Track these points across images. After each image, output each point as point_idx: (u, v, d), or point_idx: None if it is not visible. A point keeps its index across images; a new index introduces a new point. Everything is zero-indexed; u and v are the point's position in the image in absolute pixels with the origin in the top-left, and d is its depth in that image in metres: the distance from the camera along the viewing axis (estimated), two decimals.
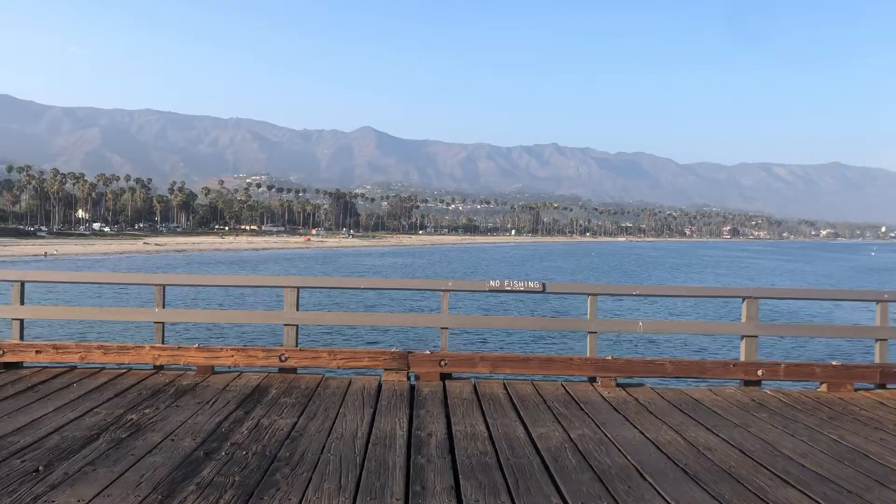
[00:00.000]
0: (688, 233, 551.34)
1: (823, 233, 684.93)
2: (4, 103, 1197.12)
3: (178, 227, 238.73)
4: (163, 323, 8.61)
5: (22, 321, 8.52)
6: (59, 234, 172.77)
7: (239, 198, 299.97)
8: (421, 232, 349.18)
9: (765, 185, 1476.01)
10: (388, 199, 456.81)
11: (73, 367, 8.23)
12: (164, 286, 8.66)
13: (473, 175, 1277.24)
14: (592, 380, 8.21)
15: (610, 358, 8.16)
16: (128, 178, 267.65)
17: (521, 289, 8.53)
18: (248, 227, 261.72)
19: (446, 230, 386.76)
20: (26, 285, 8.73)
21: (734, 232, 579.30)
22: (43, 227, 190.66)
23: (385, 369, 8.03)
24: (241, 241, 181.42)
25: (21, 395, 6.94)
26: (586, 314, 8.51)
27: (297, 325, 8.58)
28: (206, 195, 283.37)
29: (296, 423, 6.12)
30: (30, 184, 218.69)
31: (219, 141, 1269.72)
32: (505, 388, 7.79)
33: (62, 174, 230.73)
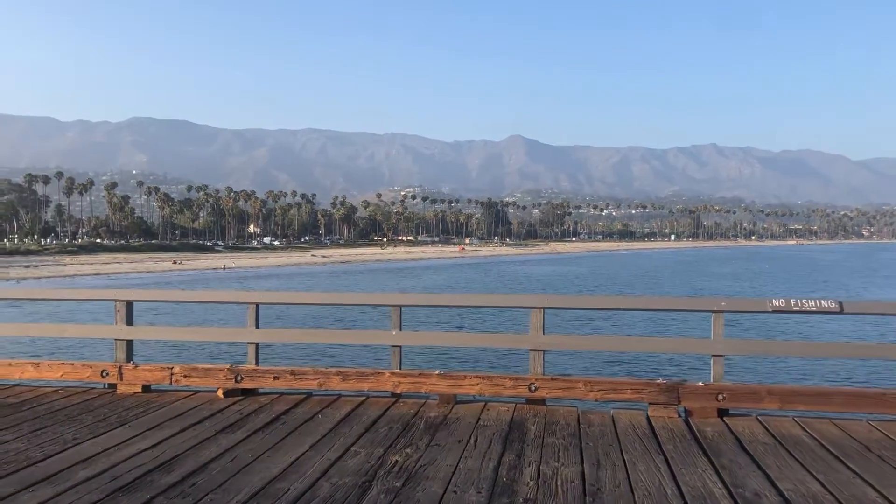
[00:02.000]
0: (866, 234, 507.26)
1: None
2: (182, 128, 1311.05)
3: (340, 239, 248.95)
4: (400, 347, 7.80)
5: (257, 345, 8.04)
6: (234, 248, 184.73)
7: (395, 210, 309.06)
8: (574, 239, 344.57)
9: None
10: (539, 207, 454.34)
11: (310, 395, 7.77)
12: (400, 307, 7.88)
13: (627, 179, 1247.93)
14: None
15: None
16: (294, 193, 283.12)
17: (813, 308, 7.22)
18: (404, 238, 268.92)
19: (600, 236, 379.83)
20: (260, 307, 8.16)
21: None
22: (220, 242, 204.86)
23: (651, 403, 7.06)
24: (400, 252, 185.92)
25: (270, 429, 6.45)
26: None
27: (542, 351, 7.55)
28: (365, 208, 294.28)
29: (583, 473, 5.28)
30: (207, 202, 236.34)
31: (375, 156, 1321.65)
32: (803, 429, 6.59)
33: (235, 192, 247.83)
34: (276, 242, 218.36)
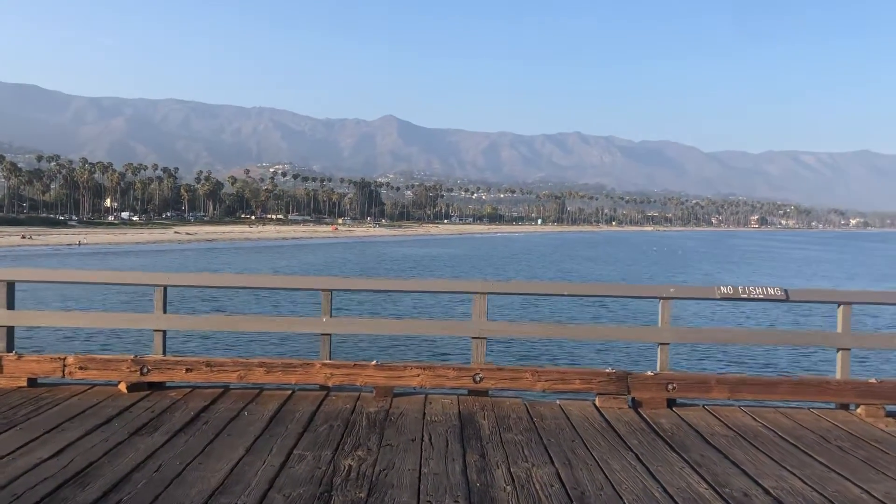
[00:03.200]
0: (714, 222, 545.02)
1: (853, 222, 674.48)
2: (31, 93, 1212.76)
3: (205, 215, 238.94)
4: (330, 335, 7.21)
5: (164, 333, 7.23)
6: (89, 224, 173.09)
7: (265, 187, 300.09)
8: (446, 221, 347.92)
9: (792, 174, 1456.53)
10: (412, 188, 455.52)
11: (227, 389, 7.00)
12: (331, 291, 7.29)
13: (496, 164, 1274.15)
14: (845, 406, 7.09)
15: (875, 381, 6.93)
16: (155, 167, 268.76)
17: (760, 296, 7.32)
18: (273, 217, 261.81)
19: (471, 219, 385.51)
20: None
21: (762, 221, 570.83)
22: (73, 217, 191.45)
23: (599, 393, 6.88)
24: (270, 230, 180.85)
25: (192, 429, 5.70)
26: (834, 326, 7.36)
27: (485, 339, 7.20)
28: (232, 184, 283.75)
29: (558, 474, 4.90)
30: (59, 173, 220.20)
31: (242, 130, 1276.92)
32: (754, 419, 6.64)
33: (90, 164, 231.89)
34: (135, 218, 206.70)
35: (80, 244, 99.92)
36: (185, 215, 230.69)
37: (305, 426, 5.86)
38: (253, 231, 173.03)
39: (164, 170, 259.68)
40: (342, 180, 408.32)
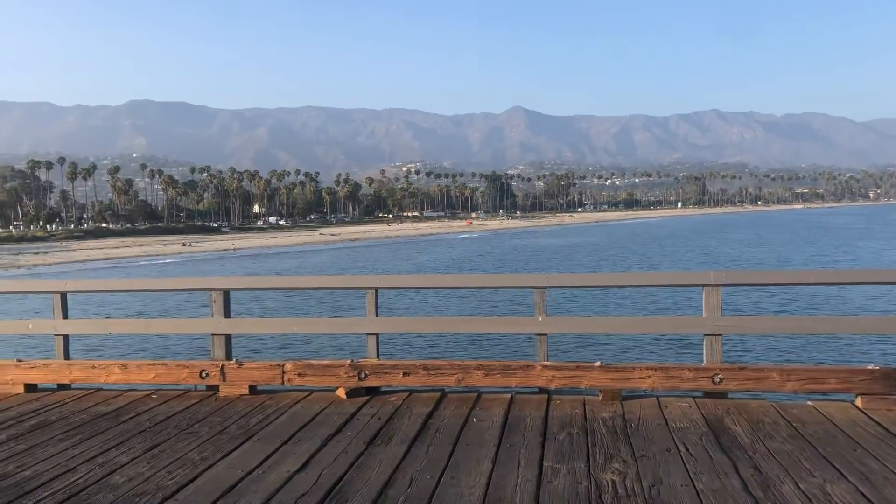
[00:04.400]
0: (872, 196, 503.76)
1: None
2: (181, 110, 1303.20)
3: (346, 217, 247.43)
4: (546, 335, 6.82)
5: (377, 336, 7.14)
6: (240, 229, 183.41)
7: (400, 186, 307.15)
8: (580, 209, 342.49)
9: None
10: (543, 178, 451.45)
11: (443, 393, 6.75)
12: (545, 289, 6.88)
13: (629, 148, 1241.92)
14: None
15: None
16: (297, 172, 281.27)
17: None
18: (409, 214, 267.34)
19: (606, 206, 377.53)
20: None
21: None
22: (225, 223, 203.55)
23: (861, 394, 6.01)
24: (408, 228, 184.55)
25: (427, 438, 5.48)
26: None
27: (720, 336, 6.50)
28: (369, 185, 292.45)
29: (859, 491, 4.27)
30: (211, 183, 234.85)
31: (375, 132, 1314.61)
32: None
33: (238, 173, 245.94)
34: (281, 222, 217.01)
35: (233, 249, 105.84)
36: (327, 217, 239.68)
37: (542, 434, 5.48)
38: (392, 229, 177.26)
39: (306, 175, 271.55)
40: (473, 174, 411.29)
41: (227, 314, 7.23)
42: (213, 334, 7.21)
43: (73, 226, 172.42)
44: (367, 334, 7.06)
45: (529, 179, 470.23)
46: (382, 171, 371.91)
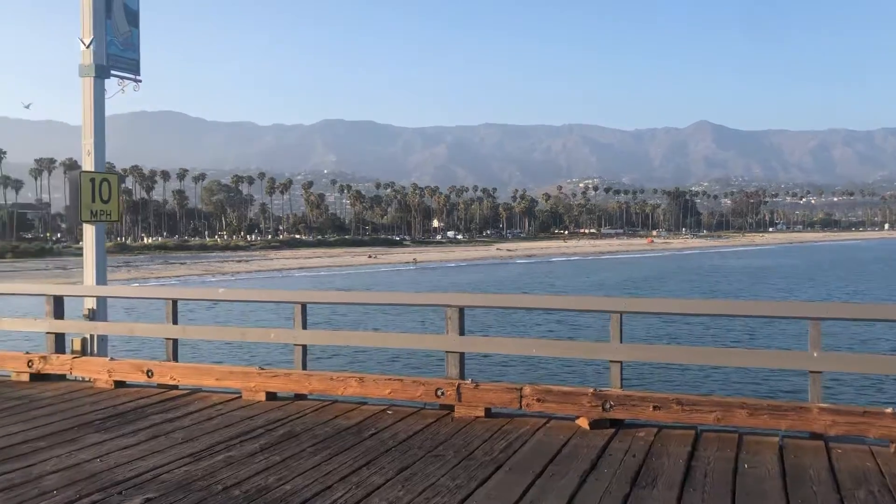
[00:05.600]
0: None
1: None
2: (368, 128, 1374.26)
3: (521, 232, 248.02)
4: (820, 372, 6.17)
5: (621, 364, 6.74)
6: (420, 243, 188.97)
7: (577, 202, 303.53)
8: (771, 229, 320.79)
9: None
10: (730, 196, 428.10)
11: (696, 430, 6.16)
12: (819, 320, 6.22)
13: (827, 164, 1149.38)
14: None
15: None
16: (475, 188, 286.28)
17: None
18: (586, 231, 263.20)
19: (800, 226, 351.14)
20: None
21: None
22: (406, 237, 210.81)
23: None
24: (585, 245, 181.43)
25: (695, 483, 5.04)
26: None
27: None
28: (545, 201, 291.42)
29: None
30: (395, 198, 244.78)
31: (551, 148, 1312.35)
32: None
33: (420, 188, 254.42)
34: (459, 236, 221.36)
35: (414, 262, 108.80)
36: (503, 232, 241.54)
37: (836, 490, 4.85)
38: (568, 246, 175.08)
39: (483, 190, 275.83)
40: (654, 191, 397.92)
41: (461, 332, 6.96)
42: (447, 352, 7.04)
43: (269, 236, 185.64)
44: (611, 361, 6.51)
45: (715, 197, 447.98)
46: (559, 187, 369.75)
